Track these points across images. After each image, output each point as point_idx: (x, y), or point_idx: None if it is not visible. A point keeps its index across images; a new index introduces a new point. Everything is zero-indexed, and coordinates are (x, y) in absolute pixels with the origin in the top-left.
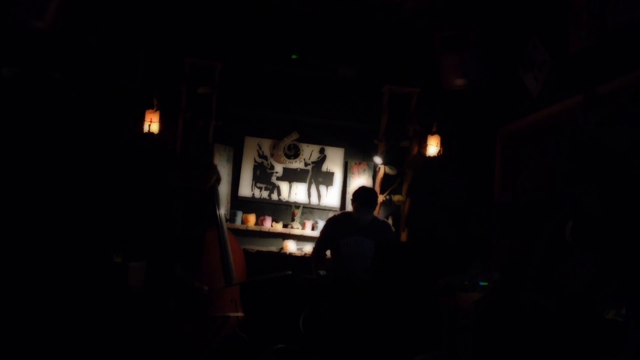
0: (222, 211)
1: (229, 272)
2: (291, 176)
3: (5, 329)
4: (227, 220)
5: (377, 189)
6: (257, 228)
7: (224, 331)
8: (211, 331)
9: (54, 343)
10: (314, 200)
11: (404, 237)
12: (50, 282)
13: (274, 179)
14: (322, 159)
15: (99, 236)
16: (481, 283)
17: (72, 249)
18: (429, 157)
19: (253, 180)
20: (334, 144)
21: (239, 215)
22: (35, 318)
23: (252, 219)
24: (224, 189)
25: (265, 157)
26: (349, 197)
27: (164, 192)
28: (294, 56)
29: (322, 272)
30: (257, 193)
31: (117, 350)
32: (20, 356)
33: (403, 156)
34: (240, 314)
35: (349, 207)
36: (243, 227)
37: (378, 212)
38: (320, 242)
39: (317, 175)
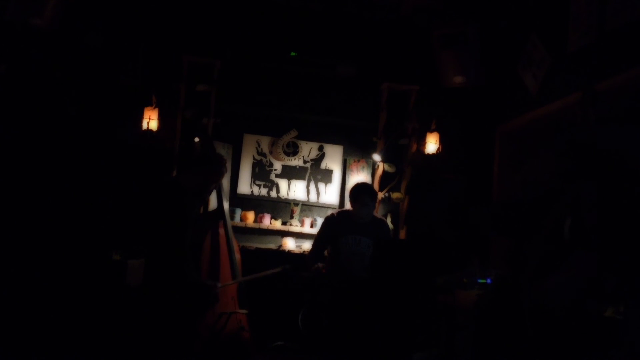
0: (227, 205)
1: (235, 268)
2: (290, 174)
3: (5, 326)
4: None
5: (376, 186)
6: (256, 225)
7: (227, 328)
8: (217, 328)
9: (54, 339)
10: (313, 197)
11: (402, 234)
12: (50, 280)
13: (272, 177)
14: (321, 157)
15: (96, 234)
16: (479, 281)
17: (68, 247)
18: (428, 154)
19: (252, 177)
20: (333, 141)
21: (238, 212)
22: (38, 314)
23: (250, 216)
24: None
25: (264, 155)
26: (347, 194)
27: (176, 193)
28: (292, 54)
29: (320, 265)
30: (255, 190)
31: (131, 346)
32: (21, 352)
33: (402, 154)
34: (241, 311)
35: (348, 205)
36: (242, 224)
37: (377, 210)
38: (318, 241)
39: (316, 173)
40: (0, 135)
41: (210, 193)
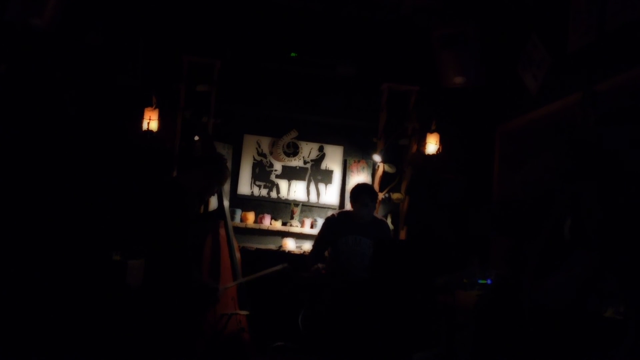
0: (227, 203)
1: (236, 268)
2: (290, 174)
3: (5, 325)
4: None
5: (376, 187)
6: (256, 226)
7: (227, 329)
8: (218, 329)
9: (54, 339)
10: (313, 198)
11: (402, 235)
12: (50, 280)
13: (273, 177)
14: (321, 157)
15: (96, 234)
16: (480, 281)
17: (68, 247)
18: (428, 155)
19: (252, 178)
20: (333, 142)
21: (238, 213)
22: (38, 314)
23: (251, 216)
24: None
25: (264, 155)
26: (347, 195)
27: (177, 193)
28: (293, 54)
29: (320, 266)
30: (256, 191)
31: (131, 346)
32: (21, 352)
33: (402, 154)
34: (241, 312)
35: (348, 206)
36: (242, 225)
37: (377, 211)
38: (319, 242)
39: (316, 173)
40: (0, 135)
41: (212, 194)
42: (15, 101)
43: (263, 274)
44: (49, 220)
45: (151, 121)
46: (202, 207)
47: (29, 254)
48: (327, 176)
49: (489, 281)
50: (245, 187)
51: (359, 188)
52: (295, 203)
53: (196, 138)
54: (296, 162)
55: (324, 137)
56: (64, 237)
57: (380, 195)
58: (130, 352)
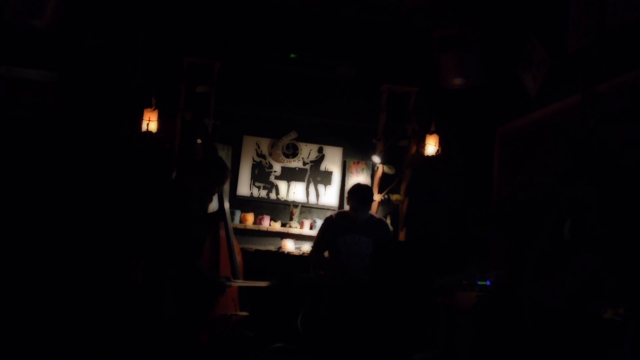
0: (227, 204)
1: (235, 268)
2: (290, 175)
3: (7, 326)
4: None
5: (376, 188)
6: (256, 227)
7: (227, 330)
8: (218, 330)
9: (55, 339)
10: (313, 199)
11: (402, 236)
12: (51, 280)
13: (272, 178)
14: (321, 158)
15: (96, 235)
16: (479, 282)
17: (69, 248)
18: (428, 156)
19: (251, 179)
20: (333, 143)
21: (237, 214)
22: (40, 314)
23: (250, 218)
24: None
25: (263, 156)
26: (347, 196)
27: (178, 193)
28: (292, 55)
29: (320, 272)
30: (255, 192)
31: (131, 347)
32: (22, 352)
33: (401, 155)
34: (241, 313)
35: (347, 207)
36: (241, 226)
37: (376, 211)
38: (318, 243)
39: (316, 175)
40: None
41: (213, 195)
42: (15, 100)
43: (251, 285)
44: (48, 222)
45: (151, 122)
46: (205, 208)
47: (29, 255)
48: (326, 177)
49: (488, 282)
50: (244, 188)
51: (354, 188)
52: (295, 204)
53: (199, 141)
54: (295, 163)
55: (323, 138)
56: (63, 237)
57: (380, 197)
58: (131, 352)
